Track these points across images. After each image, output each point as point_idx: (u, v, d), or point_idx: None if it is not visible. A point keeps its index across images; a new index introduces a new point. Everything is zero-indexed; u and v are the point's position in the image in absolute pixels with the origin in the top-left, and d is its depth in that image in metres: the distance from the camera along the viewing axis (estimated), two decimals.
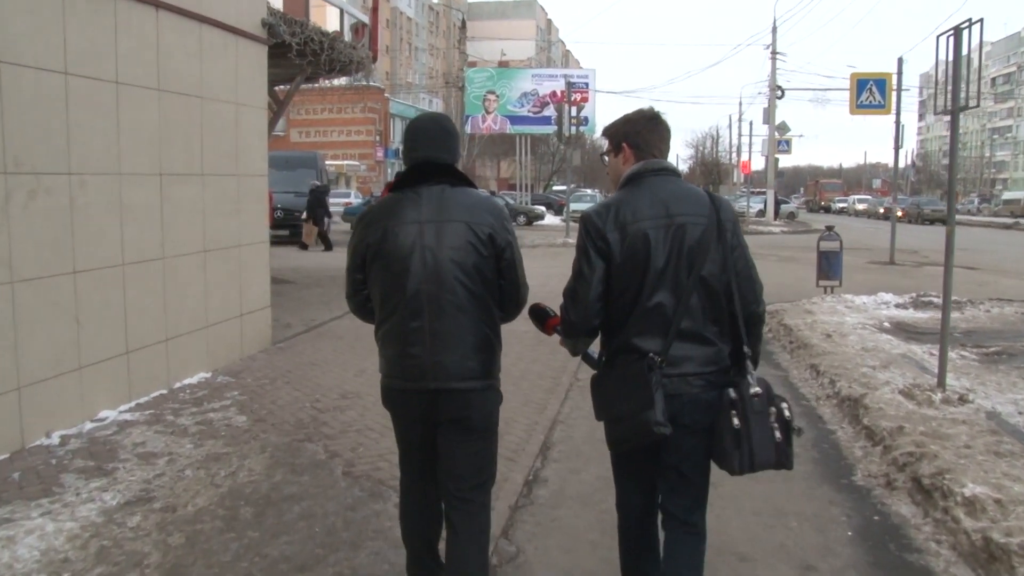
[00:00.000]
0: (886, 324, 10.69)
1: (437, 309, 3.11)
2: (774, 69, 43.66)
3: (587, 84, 46.35)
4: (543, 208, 44.09)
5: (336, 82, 16.84)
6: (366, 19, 13.27)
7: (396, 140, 59.95)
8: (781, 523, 4.79)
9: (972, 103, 6.80)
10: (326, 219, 23.42)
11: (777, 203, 45.26)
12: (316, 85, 18.81)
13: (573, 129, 31.70)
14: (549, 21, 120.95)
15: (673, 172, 3.22)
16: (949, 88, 6.74)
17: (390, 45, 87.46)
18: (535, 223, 39.86)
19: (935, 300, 12.60)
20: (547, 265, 17.86)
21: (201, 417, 6.55)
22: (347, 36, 13.52)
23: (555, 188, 68.25)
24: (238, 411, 6.75)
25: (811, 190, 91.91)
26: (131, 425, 6.30)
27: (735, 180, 78.37)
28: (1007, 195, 69.80)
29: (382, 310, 3.24)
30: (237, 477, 5.28)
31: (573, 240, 18.05)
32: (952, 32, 6.58)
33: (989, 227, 47.57)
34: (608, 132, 3.34)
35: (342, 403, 7.01)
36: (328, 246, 22.61)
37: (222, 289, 8.27)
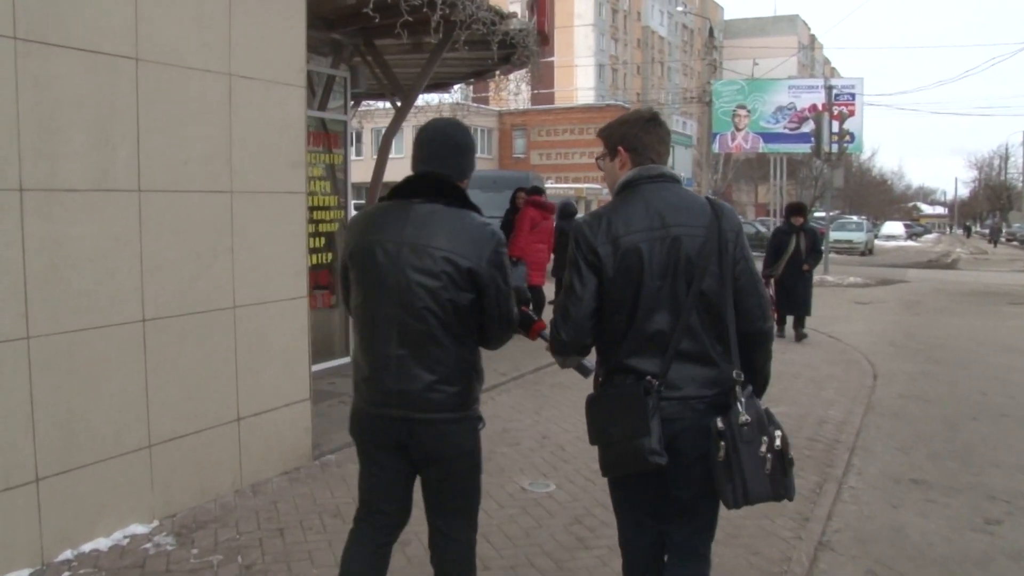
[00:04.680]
0: None
1: (404, 336, 2.95)
2: None
3: (853, 96, 40.40)
4: None
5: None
6: None
7: None
8: None
9: None
10: None
11: None
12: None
13: (835, 146, 26.93)
14: (812, 37, 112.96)
15: (671, 179, 3.03)
16: None
17: (641, 65, 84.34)
18: None
19: None
20: None
21: None
22: (523, 14, 10.15)
23: (816, 215, 62.29)
24: None
25: None
26: None
27: None
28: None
29: (354, 325, 3.13)
30: None
31: (830, 278, 10.97)
32: None
33: None
34: (603, 134, 3.15)
35: None
36: None
37: (186, 381, 4.95)
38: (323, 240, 8.86)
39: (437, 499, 3.13)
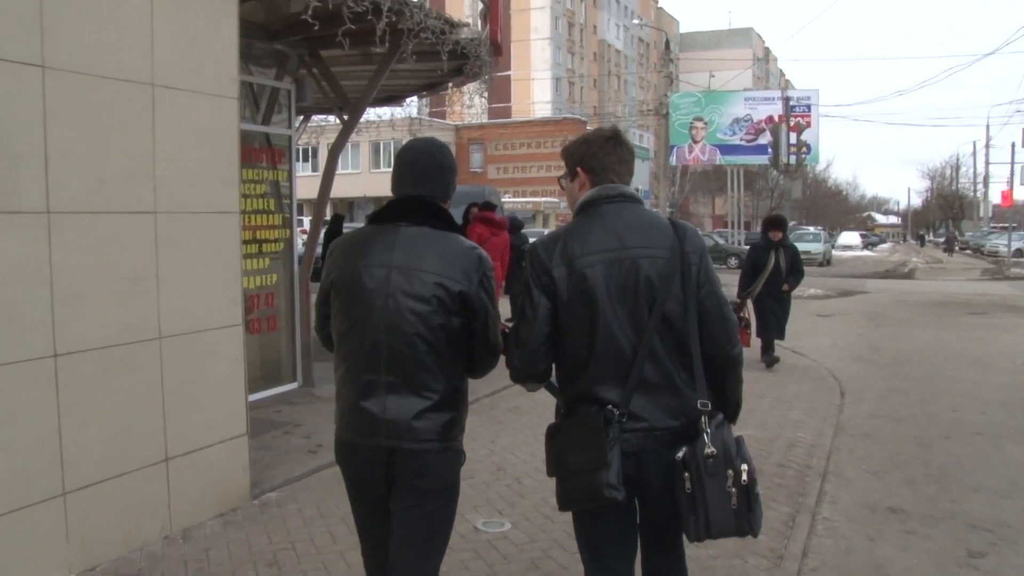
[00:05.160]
0: None
1: (393, 363, 2.84)
2: None
3: (809, 107, 40.65)
4: None
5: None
6: None
7: None
8: None
9: None
10: None
11: None
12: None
13: (792, 158, 26.97)
14: (767, 49, 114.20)
15: (632, 199, 2.91)
16: None
17: (597, 78, 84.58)
18: None
19: None
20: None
21: None
22: (476, 25, 9.80)
23: None
24: None
25: None
26: None
27: (980, 215, 70.11)
28: None
29: (338, 352, 3.00)
30: None
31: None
32: None
33: None
34: (564, 154, 3.07)
35: None
36: None
37: (106, 420, 4.51)
38: (267, 261, 8.41)
39: (406, 538, 2.95)
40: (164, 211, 4.80)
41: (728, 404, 2.90)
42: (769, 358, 10.68)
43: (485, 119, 52.40)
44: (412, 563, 2.94)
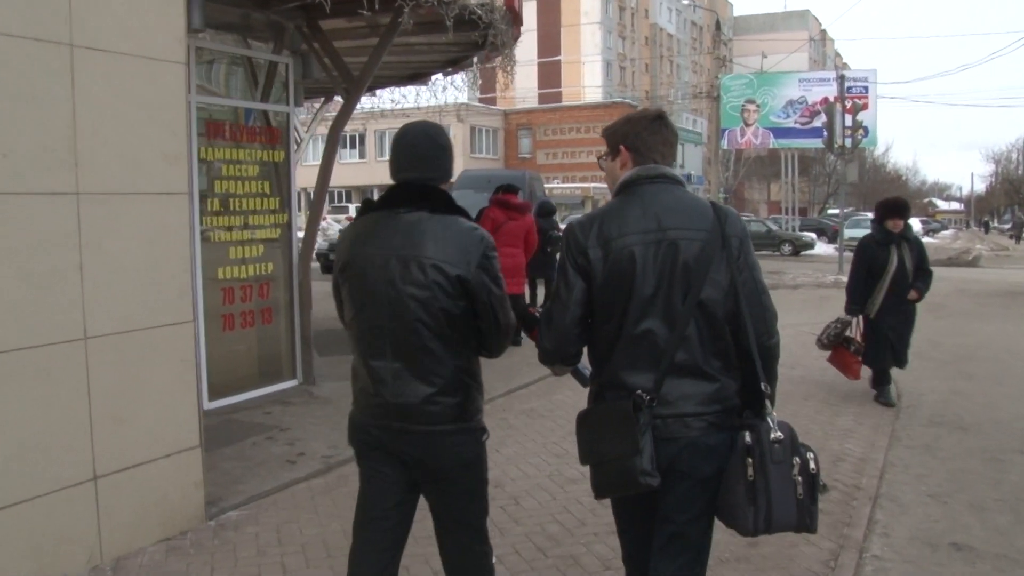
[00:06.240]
0: None
1: (398, 349, 2.88)
2: None
3: (866, 88, 39.08)
4: (813, 235, 38.13)
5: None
6: None
7: None
8: None
9: None
10: None
11: None
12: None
13: (848, 140, 25.81)
14: (823, 32, 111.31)
15: (673, 180, 2.82)
16: None
17: (649, 62, 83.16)
18: (803, 253, 34.77)
19: None
20: (804, 318, 12.42)
21: None
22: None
23: (829, 212, 61.09)
24: None
25: None
26: None
27: None
28: None
29: (350, 336, 3.04)
30: None
31: (847, 278, 9.06)
32: None
33: None
34: (606, 133, 2.99)
35: None
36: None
37: (15, 435, 3.86)
38: (261, 248, 7.73)
39: (441, 515, 3.06)
40: (89, 192, 4.12)
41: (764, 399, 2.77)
42: (884, 393, 7.88)
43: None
44: (459, 543, 3.04)
